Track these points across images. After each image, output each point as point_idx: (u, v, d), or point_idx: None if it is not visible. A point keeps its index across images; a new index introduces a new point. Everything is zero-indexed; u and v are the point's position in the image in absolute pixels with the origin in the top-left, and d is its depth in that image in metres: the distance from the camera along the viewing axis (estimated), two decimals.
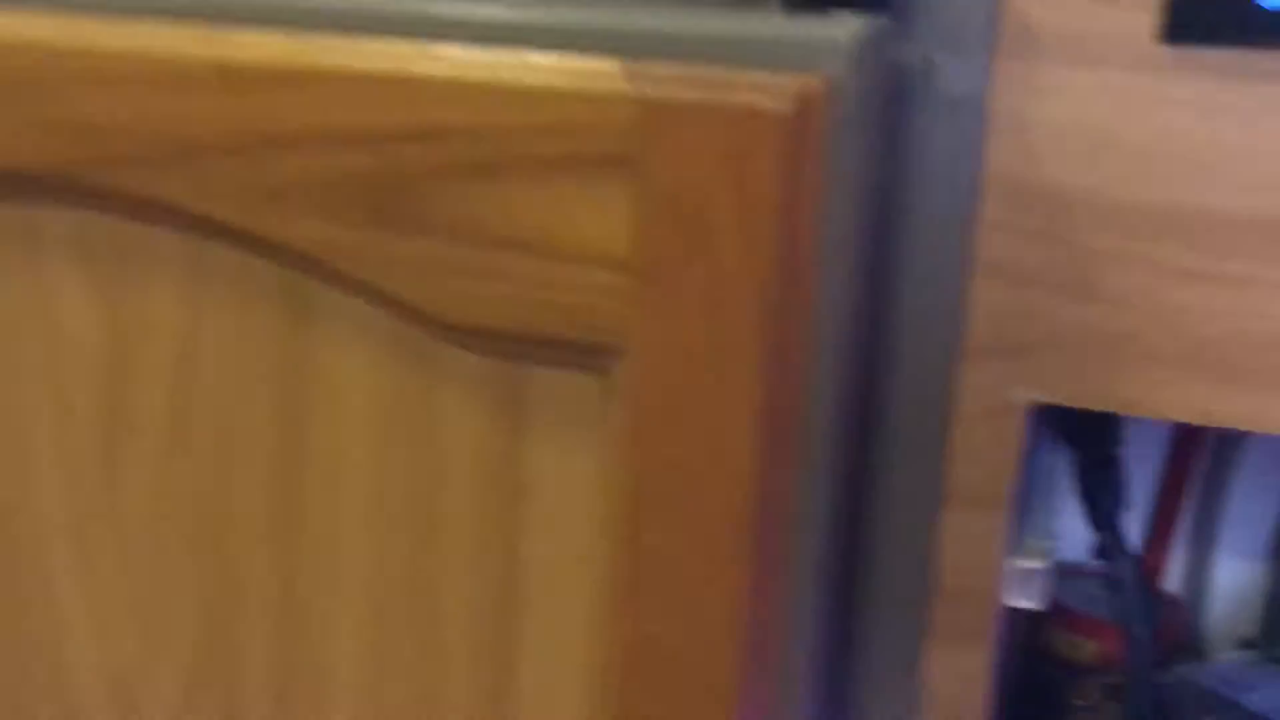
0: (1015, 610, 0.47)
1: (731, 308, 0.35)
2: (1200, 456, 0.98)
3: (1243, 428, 0.40)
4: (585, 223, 0.35)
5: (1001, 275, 0.41)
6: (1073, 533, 1.04)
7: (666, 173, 0.34)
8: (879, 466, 0.43)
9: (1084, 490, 0.57)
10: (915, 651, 0.44)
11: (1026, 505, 0.50)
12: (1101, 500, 0.56)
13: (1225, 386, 0.39)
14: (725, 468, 0.36)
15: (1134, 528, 1.03)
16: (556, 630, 0.41)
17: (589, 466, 0.39)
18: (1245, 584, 1.00)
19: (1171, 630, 0.95)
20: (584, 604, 0.40)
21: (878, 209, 0.40)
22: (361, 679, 0.44)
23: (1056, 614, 0.94)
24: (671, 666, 0.38)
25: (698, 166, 0.34)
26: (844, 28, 0.36)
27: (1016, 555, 0.46)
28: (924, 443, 0.42)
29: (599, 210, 0.35)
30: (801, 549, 0.38)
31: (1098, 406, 0.41)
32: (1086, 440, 0.56)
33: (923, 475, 0.43)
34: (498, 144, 0.36)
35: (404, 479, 0.42)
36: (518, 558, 0.41)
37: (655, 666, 0.38)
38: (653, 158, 0.34)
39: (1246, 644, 0.95)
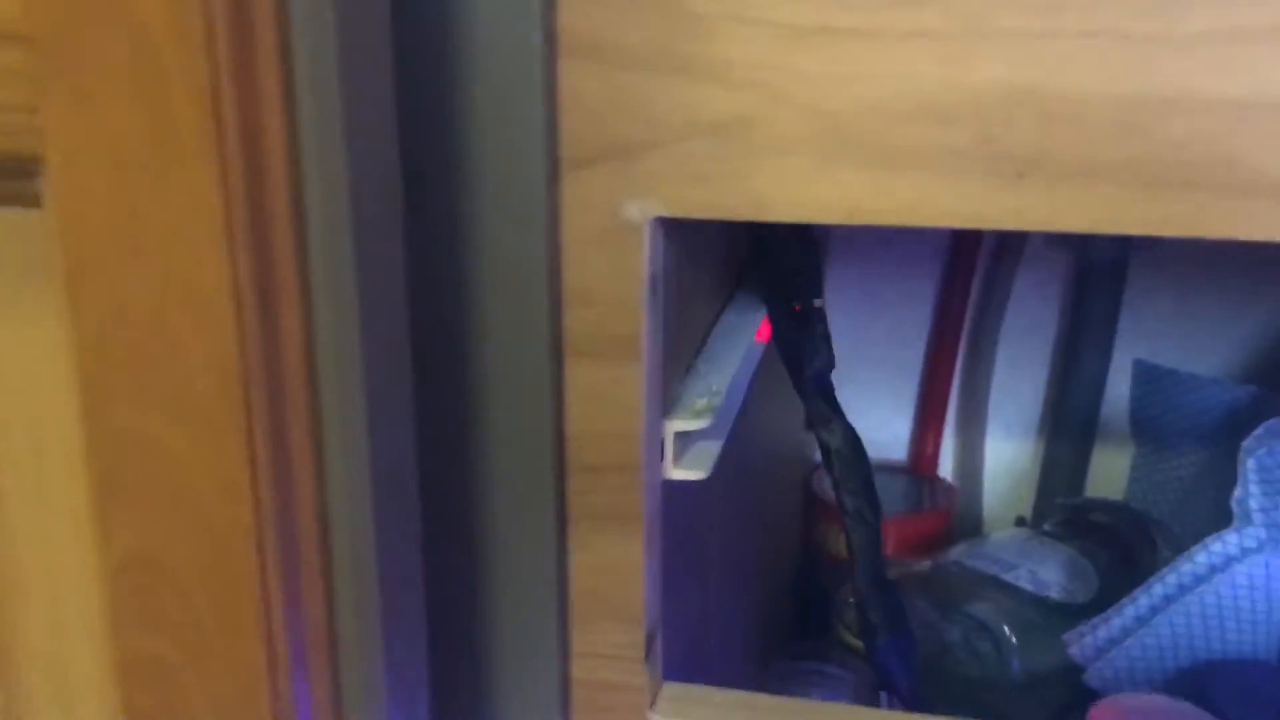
0: (685, 485, 0.38)
1: (167, 85, 0.25)
2: (960, 338, 0.93)
3: (897, 223, 0.32)
4: None
5: (592, 55, 0.32)
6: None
7: None
8: (474, 316, 0.33)
9: (782, 350, 0.49)
10: (552, 539, 0.36)
11: (694, 359, 0.42)
12: (802, 360, 0.48)
13: (869, 173, 0.31)
14: (199, 314, 0.26)
15: (904, 418, 0.97)
16: (43, 544, 0.31)
17: (47, 334, 0.29)
18: (1017, 464, 0.96)
19: (946, 516, 0.90)
20: (69, 510, 0.30)
21: None
22: None
23: (819, 506, 0.87)
24: (175, 585, 0.28)
25: None
26: None
27: (670, 416, 0.37)
28: (526, 280, 0.33)
29: None
30: (343, 416, 0.28)
31: (729, 215, 0.32)
32: (777, 290, 0.48)
33: (531, 321, 0.34)
34: None
35: None
36: None
37: (155, 586, 0.28)
38: None
39: (1022, 523, 0.91)
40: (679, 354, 0.39)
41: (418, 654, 0.33)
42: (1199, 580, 0.65)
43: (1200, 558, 0.65)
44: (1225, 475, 0.77)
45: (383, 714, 0.31)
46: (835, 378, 0.97)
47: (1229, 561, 0.64)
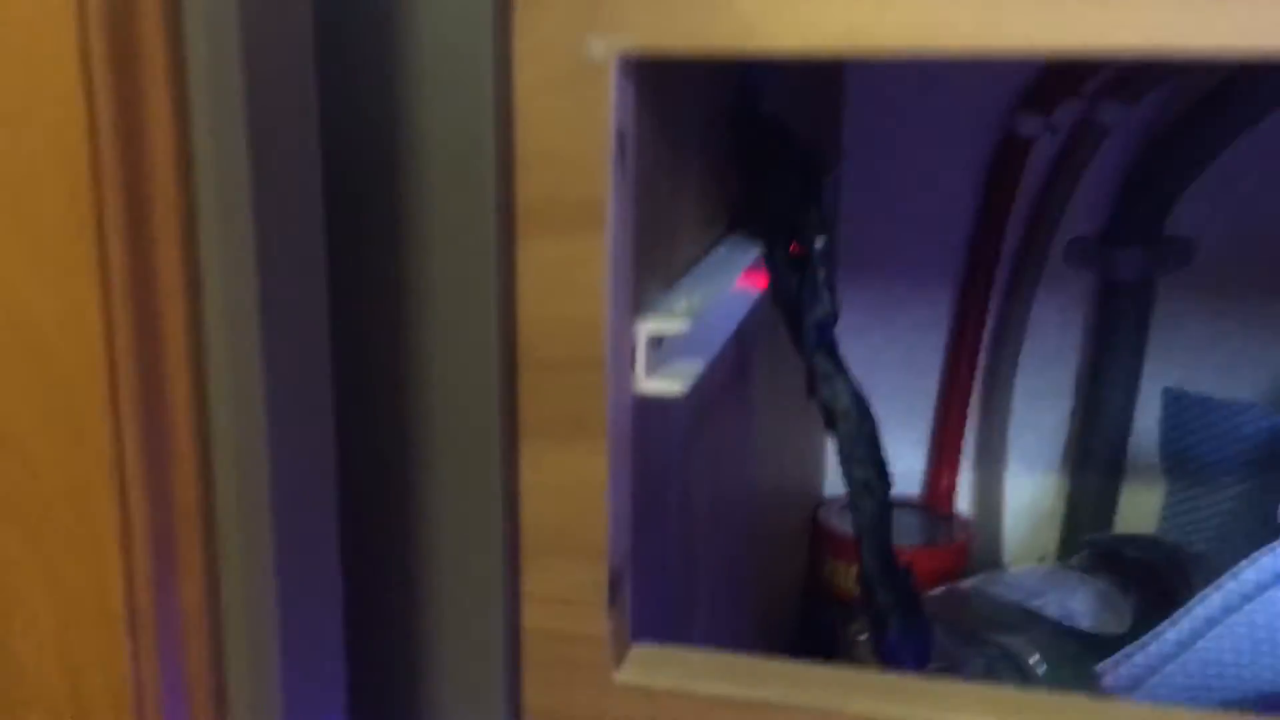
0: (659, 405, 0.33)
1: None
2: (976, 365, 0.87)
3: (905, 49, 0.27)
4: None
5: None
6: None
7: None
8: (407, 174, 0.28)
9: (778, 297, 0.44)
10: (498, 452, 0.30)
11: (674, 259, 0.36)
12: (801, 308, 0.43)
13: None
14: (40, 94, 0.21)
15: (918, 451, 0.91)
16: None
17: None
18: (1040, 500, 0.89)
19: (964, 552, 0.84)
20: None
21: None
22: None
23: (827, 540, 0.81)
24: (20, 459, 0.23)
25: None
26: None
27: (643, 318, 0.32)
28: (470, 135, 0.28)
29: None
30: (228, 259, 0.23)
31: (709, 47, 0.27)
32: (772, 228, 0.43)
33: (476, 183, 0.28)
34: None
35: None
36: None
37: None
38: None
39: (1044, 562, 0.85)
40: (656, 259, 0.34)
41: (326, 573, 0.27)
42: (1246, 600, 0.58)
43: (1248, 574, 0.58)
44: (1267, 508, 0.71)
45: (276, 637, 0.25)
46: None
47: None
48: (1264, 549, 0.58)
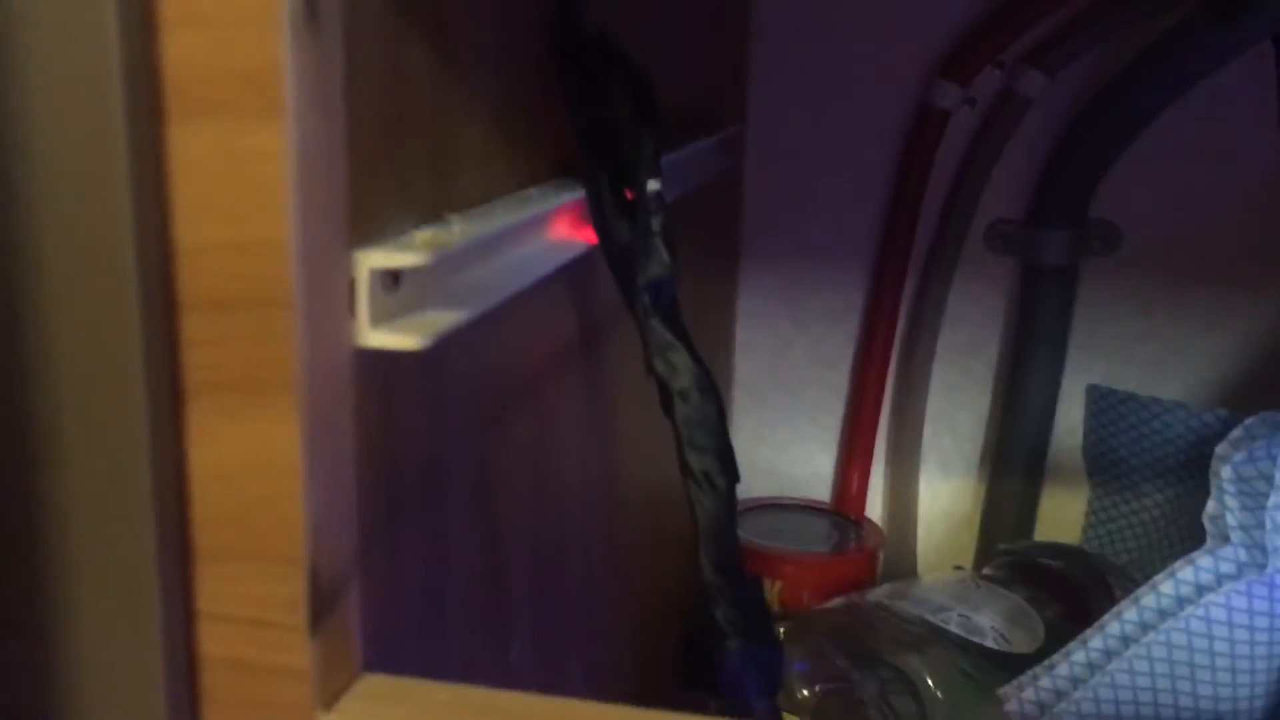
0: (408, 373, 0.25)
1: None
2: (889, 357, 0.80)
3: None
4: None
5: None
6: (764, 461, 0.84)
7: None
8: None
9: (608, 251, 0.36)
10: (150, 423, 0.22)
11: (446, 189, 0.28)
12: (633, 264, 0.35)
13: None
14: None
15: (828, 452, 0.84)
16: None
17: None
18: (956, 505, 0.83)
19: (872, 560, 0.77)
20: None
21: None
22: None
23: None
24: None
25: None
26: None
27: (364, 244, 0.24)
28: None
29: None
30: None
31: None
32: (600, 168, 0.36)
33: (95, 41, 0.20)
34: None
35: None
36: None
37: None
38: None
39: (961, 571, 0.78)
40: (407, 180, 0.26)
41: None
42: (1165, 615, 0.51)
43: (1167, 587, 0.52)
44: (1196, 514, 0.64)
45: None
46: (748, 401, 0.84)
47: (1201, 591, 0.51)
48: (1183, 559, 0.51)
